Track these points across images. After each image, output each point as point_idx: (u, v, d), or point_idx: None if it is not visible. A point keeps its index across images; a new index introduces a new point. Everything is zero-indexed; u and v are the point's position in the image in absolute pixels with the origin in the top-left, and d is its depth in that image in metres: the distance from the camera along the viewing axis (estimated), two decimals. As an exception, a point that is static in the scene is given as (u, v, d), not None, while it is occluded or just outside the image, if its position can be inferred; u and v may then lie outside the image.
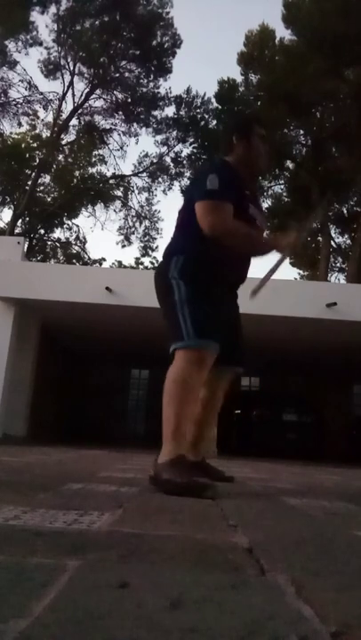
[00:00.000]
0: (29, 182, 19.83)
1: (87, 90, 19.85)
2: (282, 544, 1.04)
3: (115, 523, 1.16)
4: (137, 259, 23.27)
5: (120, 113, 20.28)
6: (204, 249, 2.17)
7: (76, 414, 13.07)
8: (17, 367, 8.48)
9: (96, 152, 21.07)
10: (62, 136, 20.21)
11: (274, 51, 17.94)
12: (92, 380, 14.00)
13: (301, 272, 22.92)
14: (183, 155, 20.96)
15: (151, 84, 20.20)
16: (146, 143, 60.68)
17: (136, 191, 21.49)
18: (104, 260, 22.95)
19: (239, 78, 19.35)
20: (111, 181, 21.55)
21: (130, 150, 48.95)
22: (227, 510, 1.50)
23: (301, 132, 19.21)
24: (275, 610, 0.61)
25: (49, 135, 19.97)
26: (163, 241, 24.45)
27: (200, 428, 2.41)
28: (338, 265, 22.01)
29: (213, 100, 19.93)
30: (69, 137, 20.70)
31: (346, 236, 21.37)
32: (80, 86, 20.91)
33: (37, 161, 19.96)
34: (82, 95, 19.81)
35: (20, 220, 20.03)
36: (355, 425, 12.24)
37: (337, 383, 13.40)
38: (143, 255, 22.45)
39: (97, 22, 18.75)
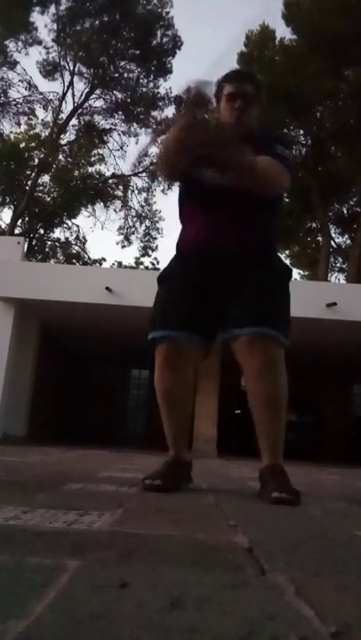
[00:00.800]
0: (29, 182, 19.83)
1: (87, 90, 19.89)
2: (282, 544, 1.04)
3: (115, 523, 1.16)
4: (137, 259, 23.28)
5: (120, 113, 20.28)
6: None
7: (76, 414, 13.07)
8: (17, 367, 8.48)
9: (96, 151, 21.09)
10: (62, 136, 20.22)
11: (274, 51, 17.92)
12: (92, 380, 14.00)
13: (301, 272, 22.95)
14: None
15: (151, 84, 20.23)
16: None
17: (136, 191, 21.52)
18: (104, 259, 22.93)
19: (239, 78, 19.36)
20: (110, 181, 21.55)
21: (130, 150, 48.91)
22: (227, 510, 1.50)
23: (301, 132, 19.20)
24: (275, 610, 0.61)
25: (48, 135, 19.98)
26: (163, 241, 24.47)
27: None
28: (338, 265, 22.04)
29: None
30: (69, 137, 20.76)
31: (346, 236, 21.37)
32: (80, 86, 20.93)
33: (37, 161, 19.96)
34: (82, 95, 19.86)
35: (19, 220, 20.04)
36: (355, 425, 12.26)
37: (337, 383, 13.40)
38: (143, 255, 22.46)
39: (97, 22, 18.74)
